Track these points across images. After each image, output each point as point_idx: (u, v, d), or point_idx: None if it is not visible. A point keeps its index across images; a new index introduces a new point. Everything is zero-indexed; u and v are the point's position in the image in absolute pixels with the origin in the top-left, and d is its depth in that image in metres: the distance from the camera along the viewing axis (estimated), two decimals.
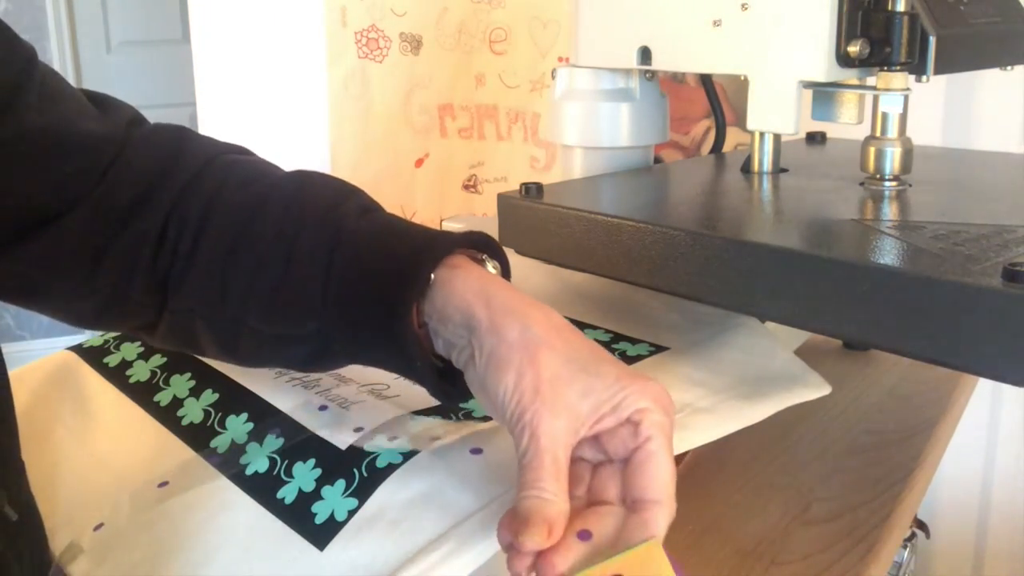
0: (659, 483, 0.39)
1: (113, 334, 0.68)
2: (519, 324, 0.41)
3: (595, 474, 0.41)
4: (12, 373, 0.62)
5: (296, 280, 0.46)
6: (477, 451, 0.48)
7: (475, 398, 0.43)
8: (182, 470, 0.54)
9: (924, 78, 0.57)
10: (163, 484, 0.52)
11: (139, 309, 0.49)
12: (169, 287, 0.48)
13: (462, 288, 0.43)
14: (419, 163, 1.30)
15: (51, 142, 0.46)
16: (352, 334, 0.45)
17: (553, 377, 0.39)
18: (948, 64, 0.57)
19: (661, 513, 0.38)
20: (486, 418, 0.51)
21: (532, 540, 0.37)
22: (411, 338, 0.43)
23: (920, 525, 0.89)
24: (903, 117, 0.61)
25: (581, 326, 0.64)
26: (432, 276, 0.43)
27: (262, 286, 0.46)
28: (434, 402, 0.52)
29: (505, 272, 0.48)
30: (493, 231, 0.65)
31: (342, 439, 0.51)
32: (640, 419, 0.39)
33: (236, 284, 0.47)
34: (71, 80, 3.05)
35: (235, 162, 0.51)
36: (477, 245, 0.46)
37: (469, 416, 0.52)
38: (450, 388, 0.45)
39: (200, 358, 0.60)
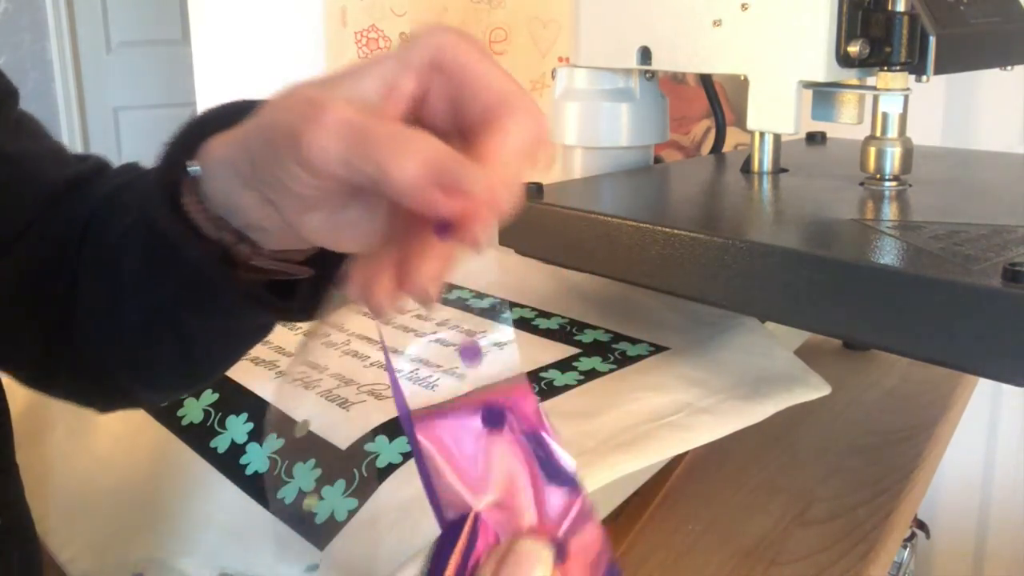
0: (494, 81, 0.29)
1: None
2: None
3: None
4: None
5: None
6: None
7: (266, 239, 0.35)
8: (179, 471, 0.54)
9: (924, 78, 0.57)
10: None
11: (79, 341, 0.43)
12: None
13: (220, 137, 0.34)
14: None
15: (9, 170, 0.43)
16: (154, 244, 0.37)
17: (312, 88, 0.31)
18: (948, 64, 0.57)
19: (516, 116, 0.28)
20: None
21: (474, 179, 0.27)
22: (169, 222, 0.35)
23: (920, 525, 0.90)
24: (903, 117, 0.61)
25: (581, 326, 0.64)
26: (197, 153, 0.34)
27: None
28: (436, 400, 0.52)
29: None
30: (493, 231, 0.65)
31: (342, 439, 0.51)
32: (445, 55, 0.30)
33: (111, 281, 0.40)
34: (71, 80, 2.99)
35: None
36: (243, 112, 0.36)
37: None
38: (263, 293, 0.37)
39: None
